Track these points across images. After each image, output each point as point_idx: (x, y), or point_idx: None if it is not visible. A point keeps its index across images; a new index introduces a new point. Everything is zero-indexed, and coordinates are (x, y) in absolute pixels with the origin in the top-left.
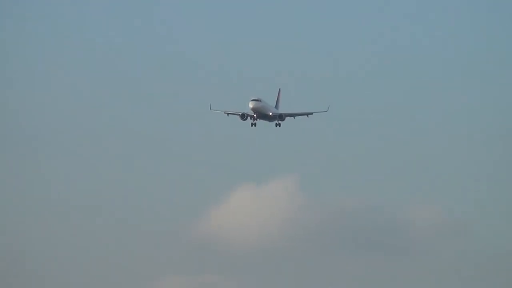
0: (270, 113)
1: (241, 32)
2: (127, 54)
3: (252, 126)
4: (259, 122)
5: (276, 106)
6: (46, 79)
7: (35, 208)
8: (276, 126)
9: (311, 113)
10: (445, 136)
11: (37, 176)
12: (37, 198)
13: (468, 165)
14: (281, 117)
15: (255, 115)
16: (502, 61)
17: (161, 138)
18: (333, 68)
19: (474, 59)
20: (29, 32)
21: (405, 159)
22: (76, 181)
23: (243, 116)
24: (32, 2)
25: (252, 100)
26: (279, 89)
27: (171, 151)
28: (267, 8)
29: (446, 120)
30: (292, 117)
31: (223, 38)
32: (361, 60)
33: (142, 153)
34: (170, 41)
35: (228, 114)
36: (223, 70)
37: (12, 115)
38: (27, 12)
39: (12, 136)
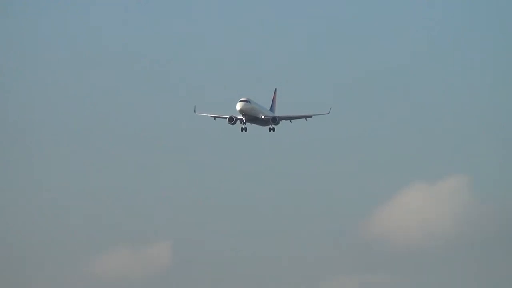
0: (262, 116)
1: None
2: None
3: (242, 131)
4: (251, 126)
5: (272, 108)
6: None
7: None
8: (269, 131)
9: (310, 116)
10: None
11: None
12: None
13: None
14: (275, 120)
15: (243, 119)
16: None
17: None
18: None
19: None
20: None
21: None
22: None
23: (231, 120)
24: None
25: (240, 101)
26: (275, 88)
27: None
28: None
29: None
30: (289, 121)
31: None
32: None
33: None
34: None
35: (215, 117)
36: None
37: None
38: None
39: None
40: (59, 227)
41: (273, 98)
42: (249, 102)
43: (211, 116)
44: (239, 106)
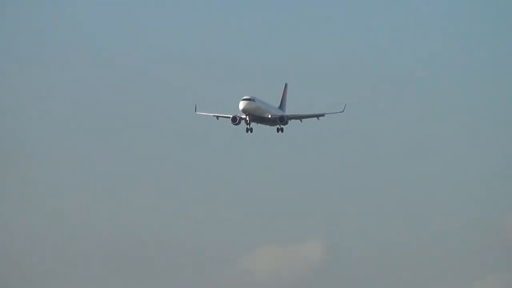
0: (269, 116)
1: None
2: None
3: (247, 132)
4: (258, 126)
5: (281, 106)
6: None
7: None
8: (278, 131)
9: (323, 115)
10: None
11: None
12: None
13: None
14: (283, 120)
15: (247, 118)
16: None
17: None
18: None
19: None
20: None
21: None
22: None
23: (235, 120)
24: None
25: (243, 99)
26: (286, 84)
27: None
28: None
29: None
30: (299, 120)
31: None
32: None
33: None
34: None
35: (217, 117)
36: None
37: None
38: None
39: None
40: (210, 228)
41: (283, 94)
42: (253, 100)
43: (214, 116)
44: (241, 105)
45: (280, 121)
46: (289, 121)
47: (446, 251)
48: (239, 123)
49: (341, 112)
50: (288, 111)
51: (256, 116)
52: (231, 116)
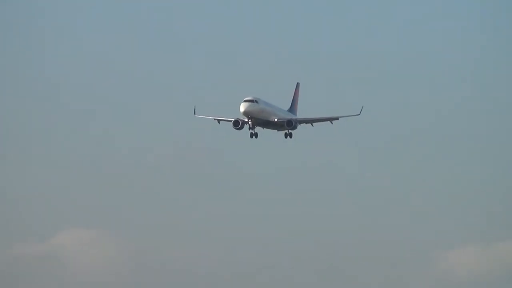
0: (275, 119)
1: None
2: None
3: (252, 137)
4: (264, 131)
5: (292, 108)
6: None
7: None
8: (286, 137)
9: (337, 118)
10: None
11: None
12: None
13: None
14: (290, 124)
15: (249, 122)
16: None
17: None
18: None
19: None
20: None
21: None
22: None
23: (237, 124)
24: None
25: (245, 101)
26: (297, 83)
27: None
28: None
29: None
30: (310, 124)
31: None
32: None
33: None
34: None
35: (218, 120)
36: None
37: None
38: None
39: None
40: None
41: (294, 95)
42: (257, 102)
43: (214, 119)
44: (243, 107)
45: (288, 125)
46: (298, 125)
47: None
48: (241, 127)
49: (357, 115)
50: (299, 114)
51: (260, 120)
52: (233, 119)
